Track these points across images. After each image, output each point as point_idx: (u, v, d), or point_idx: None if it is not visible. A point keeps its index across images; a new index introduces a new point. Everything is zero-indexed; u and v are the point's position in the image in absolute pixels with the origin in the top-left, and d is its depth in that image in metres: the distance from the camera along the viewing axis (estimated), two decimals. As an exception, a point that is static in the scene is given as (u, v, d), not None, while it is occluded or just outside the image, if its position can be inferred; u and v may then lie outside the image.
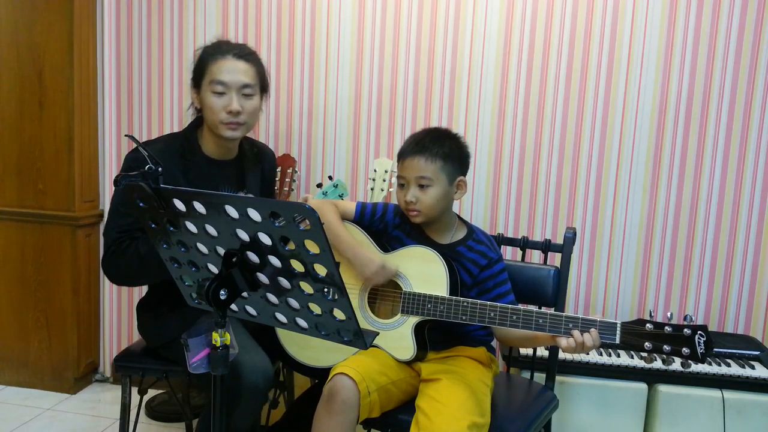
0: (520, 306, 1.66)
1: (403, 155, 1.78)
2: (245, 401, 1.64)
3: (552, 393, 1.93)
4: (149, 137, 2.71)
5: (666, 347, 1.48)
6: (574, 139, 2.47)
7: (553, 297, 1.95)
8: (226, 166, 1.93)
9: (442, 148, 1.75)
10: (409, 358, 1.72)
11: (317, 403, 1.63)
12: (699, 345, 1.46)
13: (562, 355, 2.19)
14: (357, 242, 1.80)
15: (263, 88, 1.90)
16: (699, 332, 1.47)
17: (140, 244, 1.74)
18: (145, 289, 2.00)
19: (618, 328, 1.53)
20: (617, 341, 1.53)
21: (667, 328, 1.49)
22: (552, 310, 1.74)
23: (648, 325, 1.51)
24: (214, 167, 1.89)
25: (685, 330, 1.47)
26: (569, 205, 2.50)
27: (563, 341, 1.56)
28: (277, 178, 2.20)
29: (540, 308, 1.86)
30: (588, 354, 2.23)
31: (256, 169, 2.00)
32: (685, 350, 1.47)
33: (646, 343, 1.50)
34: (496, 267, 1.81)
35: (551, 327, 1.59)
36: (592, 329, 1.54)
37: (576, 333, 1.55)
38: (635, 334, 1.52)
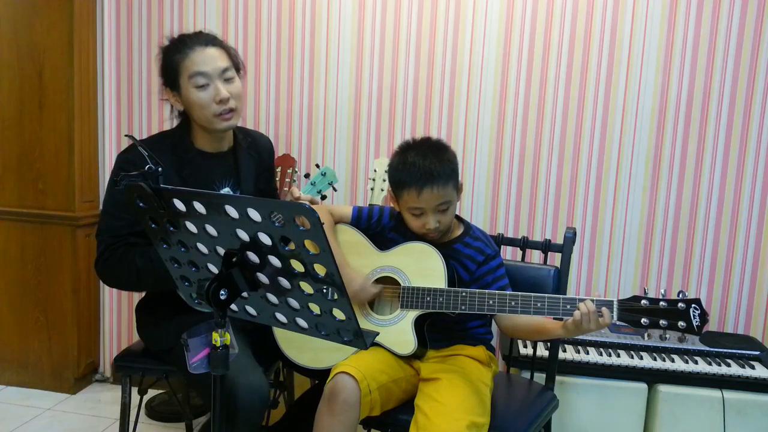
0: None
1: (411, 186, 1.71)
2: (241, 423, 1.63)
3: (552, 393, 1.93)
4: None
5: (662, 322, 1.52)
6: (574, 139, 2.47)
7: (553, 297, 1.95)
8: (221, 157, 1.89)
9: (447, 167, 1.72)
10: (410, 352, 1.72)
11: (318, 403, 1.64)
12: (694, 318, 1.50)
13: (562, 355, 2.19)
14: (343, 260, 1.79)
15: (238, 68, 1.86)
16: (693, 305, 1.50)
17: (137, 257, 1.73)
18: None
19: (615, 306, 1.56)
20: (615, 319, 1.56)
21: (662, 303, 1.53)
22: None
23: (643, 301, 1.54)
24: (209, 160, 1.87)
25: (680, 304, 1.51)
26: (569, 205, 2.50)
27: (569, 320, 1.59)
28: (277, 178, 2.20)
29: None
30: (588, 353, 2.23)
31: (251, 158, 1.96)
32: (681, 324, 1.51)
33: (643, 319, 1.54)
34: (493, 262, 1.82)
35: (549, 309, 1.62)
36: (587, 300, 1.57)
37: (580, 306, 1.56)
38: (632, 311, 1.55)
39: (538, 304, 1.63)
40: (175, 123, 1.92)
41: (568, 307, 1.60)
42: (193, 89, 1.76)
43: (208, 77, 1.76)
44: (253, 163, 1.97)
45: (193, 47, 1.77)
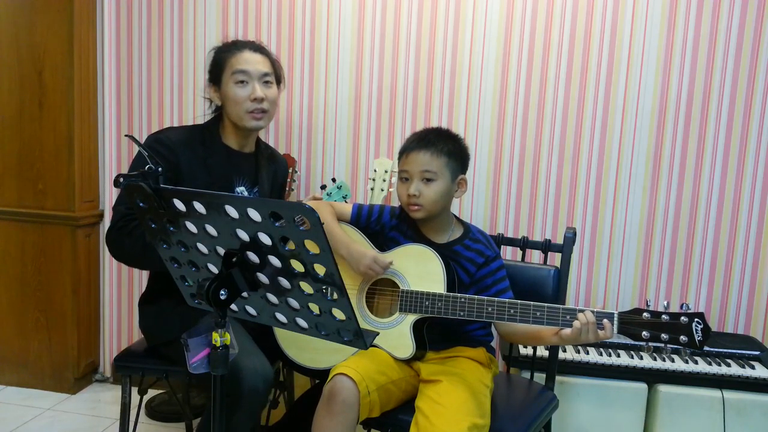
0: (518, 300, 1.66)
1: (406, 150, 1.80)
2: (245, 405, 1.65)
3: (552, 393, 1.93)
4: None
5: (664, 335, 1.50)
6: (574, 139, 2.47)
7: (553, 297, 1.95)
8: (244, 157, 2.00)
9: (446, 145, 1.78)
10: (408, 356, 1.72)
11: (317, 404, 1.64)
12: (696, 332, 1.48)
13: (562, 355, 2.19)
14: (351, 239, 1.81)
15: (278, 79, 2.00)
16: (696, 320, 1.49)
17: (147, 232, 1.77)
18: (145, 282, 2.01)
19: (615, 318, 1.55)
20: (615, 331, 1.54)
21: (664, 316, 1.51)
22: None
23: (645, 314, 1.52)
24: (233, 157, 1.97)
25: (682, 318, 1.49)
26: (569, 205, 2.50)
27: (567, 330, 1.58)
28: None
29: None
30: (588, 353, 2.23)
31: (270, 167, 2.08)
32: (683, 338, 1.49)
33: (644, 332, 1.52)
34: (493, 264, 1.82)
35: (549, 319, 1.61)
36: (587, 311, 1.56)
37: (579, 316, 1.56)
38: (633, 324, 1.53)
39: (538, 314, 1.62)
40: (188, 120, 2.00)
41: (568, 317, 1.59)
42: (233, 85, 1.91)
43: (248, 76, 1.91)
44: (270, 172, 2.08)
45: (242, 49, 1.95)
